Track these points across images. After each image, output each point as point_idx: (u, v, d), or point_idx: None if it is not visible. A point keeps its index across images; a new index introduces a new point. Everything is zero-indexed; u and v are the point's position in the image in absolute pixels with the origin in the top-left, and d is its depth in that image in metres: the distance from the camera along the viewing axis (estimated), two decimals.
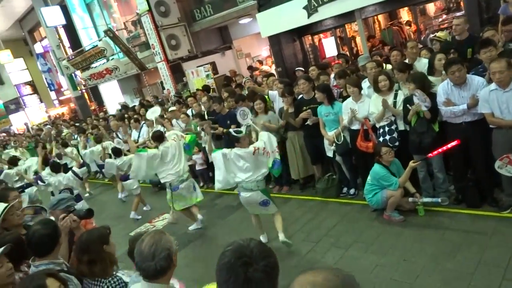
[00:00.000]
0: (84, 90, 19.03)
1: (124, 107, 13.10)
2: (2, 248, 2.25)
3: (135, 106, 11.84)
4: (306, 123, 5.54)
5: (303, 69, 8.15)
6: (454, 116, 4.16)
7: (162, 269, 1.82)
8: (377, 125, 4.88)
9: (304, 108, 5.53)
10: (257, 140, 4.62)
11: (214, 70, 12.55)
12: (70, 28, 17.21)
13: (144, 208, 7.31)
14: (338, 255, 4.19)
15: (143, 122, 8.44)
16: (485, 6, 6.61)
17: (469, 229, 4.05)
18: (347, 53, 10.02)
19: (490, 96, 3.82)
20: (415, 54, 5.25)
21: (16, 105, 26.53)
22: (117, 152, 7.47)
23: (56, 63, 19.14)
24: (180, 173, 5.53)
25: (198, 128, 7.06)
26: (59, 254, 2.58)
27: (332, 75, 6.21)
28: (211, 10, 11.66)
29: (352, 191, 5.53)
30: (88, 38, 16.86)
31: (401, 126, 4.76)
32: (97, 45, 13.67)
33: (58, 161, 7.85)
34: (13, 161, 8.41)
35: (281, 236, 4.48)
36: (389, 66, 5.79)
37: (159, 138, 5.61)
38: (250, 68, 12.16)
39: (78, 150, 9.83)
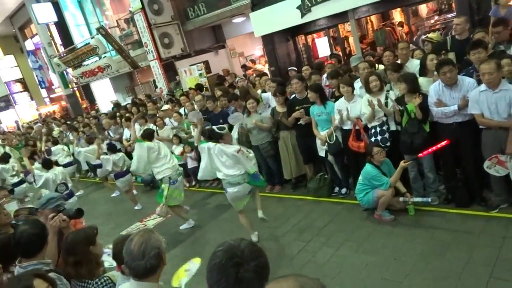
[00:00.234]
0: (75, 88, 18.86)
1: (117, 105, 13.03)
2: None
3: (127, 104, 11.77)
4: (298, 123, 5.55)
5: (296, 69, 8.16)
6: (445, 117, 4.19)
7: (152, 268, 1.82)
8: (369, 125, 4.90)
9: (297, 107, 5.54)
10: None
11: (207, 69, 12.53)
12: (61, 25, 17.04)
13: (136, 208, 7.26)
14: (329, 254, 4.21)
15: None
16: (476, 8, 6.68)
17: (458, 229, 4.09)
18: (340, 53, 10.05)
19: (480, 97, 3.86)
20: (406, 55, 5.29)
21: (6, 102, 26.20)
22: (112, 148, 7.47)
23: (47, 61, 18.94)
24: (176, 166, 5.72)
25: (191, 127, 7.05)
26: (49, 255, 2.55)
27: (325, 75, 6.23)
28: (204, 9, 11.63)
29: (343, 190, 5.55)
30: (80, 36, 16.71)
31: (393, 127, 4.79)
32: (89, 43, 13.57)
33: (48, 157, 7.83)
34: (5, 158, 8.37)
35: (260, 213, 4.81)
36: (381, 67, 5.83)
37: (149, 136, 5.72)
38: (244, 67, 12.16)
39: (69, 148, 9.77)
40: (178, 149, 7.27)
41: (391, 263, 3.80)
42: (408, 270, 3.62)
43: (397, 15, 10.45)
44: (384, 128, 4.79)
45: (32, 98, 26.18)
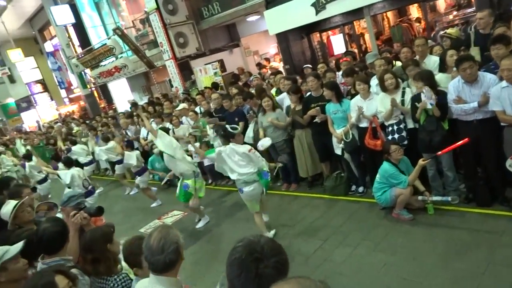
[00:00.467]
0: (93, 88, 19.20)
1: (134, 104, 13.20)
2: (21, 245, 2.30)
3: (144, 104, 11.92)
4: (314, 121, 5.52)
5: (311, 66, 8.12)
6: (464, 114, 4.10)
7: (171, 262, 1.87)
8: (386, 124, 4.84)
9: (312, 105, 5.51)
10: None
11: (222, 68, 12.56)
12: (79, 26, 17.34)
13: (154, 204, 7.38)
14: (346, 253, 4.18)
15: (152, 119, 8.51)
16: (497, 2, 6.51)
17: (480, 228, 4.00)
18: (356, 50, 9.95)
19: (502, 93, 3.76)
20: (424, 51, 5.17)
21: (27, 103, 26.88)
22: (130, 146, 7.70)
23: (66, 62, 19.32)
24: (193, 161, 5.96)
25: (207, 126, 7.10)
26: (70, 251, 2.61)
27: (340, 73, 6.18)
28: (219, 8, 11.66)
29: (360, 189, 5.50)
30: (97, 37, 16.98)
31: (410, 124, 4.72)
32: (106, 44, 13.77)
33: (69, 156, 8.10)
34: (29, 156, 8.72)
35: (265, 217, 5.11)
36: (398, 63, 5.74)
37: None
38: (259, 65, 12.15)
39: (87, 146, 9.98)
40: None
41: (410, 262, 3.75)
42: (428, 270, 3.57)
43: (414, 11, 10.26)
44: (401, 126, 4.73)
45: (52, 99, 26.78)
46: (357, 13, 8.63)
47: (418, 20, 9.95)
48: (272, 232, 4.92)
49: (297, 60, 10.31)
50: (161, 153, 7.26)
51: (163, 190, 8.20)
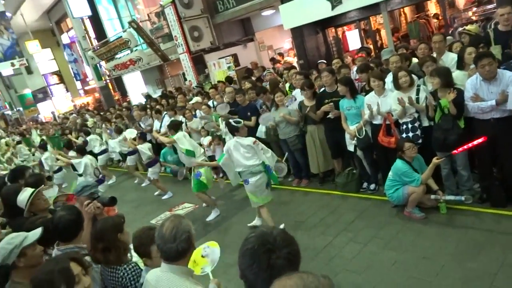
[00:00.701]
0: (108, 80, 19.42)
1: (149, 97, 13.32)
2: (39, 232, 2.38)
3: (158, 97, 12.03)
4: (327, 117, 5.48)
5: (326, 62, 8.06)
6: (481, 112, 4.02)
7: (183, 251, 1.91)
8: (400, 121, 4.78)
9: (326, 101, 5.47)
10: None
11: (236, 62, 12.55)
12: (95, 19, 17.54)
13: (166, 196, 7.47)
14: (356, 250, 4.16)
15: (165, 112, 8.58)
16: None
17: (493, 229, 3.94)
18: (371, 46, 9.82)
19: None
20: (441, 48, 5.08)
21: (43, 94, 27.39)
22: (143, 138, 7.82)
23: (82, 54, 19.57)
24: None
25: (220, 120, 7.12)
26: (84, 239, 2.66)
27: (355, 69, 6.11)
28: (233, 2, 11.64)
29: (372, 186, 5.46)
30: (113, 29, 17.16)
31: (425, 123, 4.65)
32: (121, 36, 13.90)
33: (82, 145, 8.31)
34: (45, 146, 8.94)
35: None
36: (414, 60, 5.66)
37: (175, 127, 5.96)
38: (273, 60, 12.11)
39: (101, 137, 10.15)
40: (206, 140, 7.37)
41: (420, 261, 3.72)
42: (438, 270, 3.53)
43: (432, 7, 10.08)
44: (416, 124, 4.66)
45: (67, 90, 27.21)
46: (373, 8, 8.52)
47: (436, 16, 9.77)
48: (281, 226, 4.93)
49: (311, 55, 10.24)
50: (173, 146, 7.34)
51: (175, 182, 8.27)
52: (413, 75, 4.73)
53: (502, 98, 3.84)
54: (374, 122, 5.05)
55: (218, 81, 10.18)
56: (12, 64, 19.33)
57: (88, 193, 3.26)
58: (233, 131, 4.75)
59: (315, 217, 5.16)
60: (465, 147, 4.03)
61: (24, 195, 3.27)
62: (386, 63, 5.81)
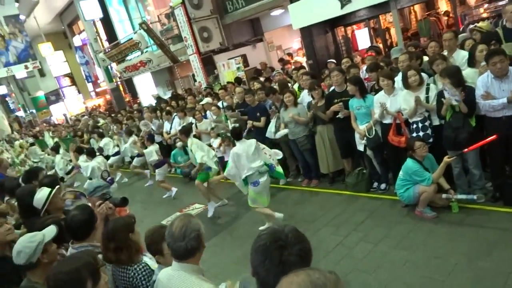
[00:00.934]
0: (119, 82, 19.64)
1: (159, 98, 13.44)
2: (55, 229, 2.47)
3: (168, 98, 12.14)
4: (337, 116, 5.47)
5: (335, 61, 8.03)
6: (493, 110, 3.98)
7: (192, 249, 1.94)
8: (410, 121, 4.74)
9: (336, 100, 5.47)
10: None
11: (245, 63, 12.58)
12: (106, 21, 17.75)
13: (167, 195, 7.72)
14: (366, 250, 4.15)
15: (175, 114, 8.65)
16: None
17: (506, 228, 3.89)
18: (381, 45, 9.75)
19: None
20: (452, 46, 5.01)
21: (56, 96, 27.80)
22: (151, 139, 8.00)
23: (93, 56, 19.83)
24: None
25: (228, 121, 7.16)
26: (97, 239, 2.71)
27: (364, 68, 6.08)
28: (243, 2, 11.66)
29: (383, 186, 5.43)
30: (123, 31, 17.34)
31: (436, 121, 4.61)
32: (132, 38, 14.04)
33: (92, 148, 8.47)
34: (56, 148, 9.11)
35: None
36: (425, 58, 5.60)
37: (186, 132, 6.16)
38: (282, 60, 12.10)
39: (113, 139, 10.30)
40: (216, 142, 7.40)
41: (432, 261, 3.69)
42: (450, 269, 3.50)
43: (443, 4, 9.97)
44: (426, 123, 4.61)
45: (79, 92, 27.56)
46: (383, 6, 8.46)
47: (446, 13, 9.66)
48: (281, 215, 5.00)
49: (320, 55, 10.21)
50: (183, 147, 7.41)
51: (185, 183, 8.33)
52: (423, 74, 4.69)
53: None
54: (384, 121, 5.03)
55: (228, 82, 10.22)
56: (26, 67, 19.67)
57: (100, 193, 3.32)
58: (238, 135, 4.89)
59: (325, 217, 5.15)
60: (477, 145, 3.99)
61: (42, 194, 3.33)
62: (395, 62, 5.76)
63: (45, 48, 21.76)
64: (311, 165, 6.27)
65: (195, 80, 13.26)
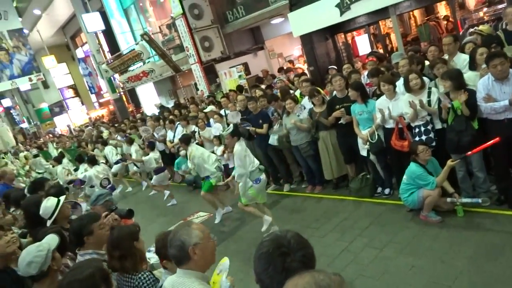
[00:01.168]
0: (122, 93, 19.75)
1: (162, 107, 13.51)
2: (57, 238, 2.50)
3: (170, 107, 12.20)
4: (339, 122, 5.48)
5: (336, 68, 8.06)
6: (494, 113, 3.98)
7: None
8: (412, 125, 4.74)
9: (337, 106, 5.48)
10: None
11: (247, 71, 12.64)
12: (109, 33, 17.92)
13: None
14: (372, 255, 4.13)
15: (178, 122, 8.69)
16: None
17: None
18: (381, 50, 9.79)
19: None
20: (452, 50, 5.03)
21: (60, 107, 28.00)
22: (151, 146, 8.16)
23: (96, 67, 20.00)
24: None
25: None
26: (101, 247, 2.72)
27: (365, 73, 6.10)
28: (243, 11, 11.77)
29: (387, 190, 5.42)
30: (125, 42, 17.49)
31: (438, 125, 4.59)
32: (134, 49, 14.17)
33: (93, 155, 8.58)
34: (59, 158, 9.18)
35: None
36: (427, 63, 5.61)
37: (186, 140, 6.26)
38: (281, 70, 12.11)
39: (116, 148, 10.36)
40: (219, 149, 7.42)
41: (438, 266, 3.67)
42: (457, 274, 3.48)
43: (442, 9, 10.01)
44: (429, 127, 4.61)
45: (82, 103, 27.77)
46: (382, 12, 8.51)
47: (446, 18, 9.70)
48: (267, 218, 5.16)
49: (321, 61, 10.25)
50: (187, 155, 7.44)
51: (189, 192, 8.34)
52: (424, 78, 4.71)
53: None
54: (387, 126, 5.03)
55: (230, 90, 10.27)
56: (30, 79, 19.89)
57: (102, 201, 3.35)
58: (242, 134, 5.11)
59: (330, 223, 5.14)
60: (479, 148, 3.99)
61: (51, 203, 3.35)
62: (396, 67, 5.78)
63: (49, 61, 21.99)
64: (315, 171, 6.27)
65: (197, 89, 13.34)
